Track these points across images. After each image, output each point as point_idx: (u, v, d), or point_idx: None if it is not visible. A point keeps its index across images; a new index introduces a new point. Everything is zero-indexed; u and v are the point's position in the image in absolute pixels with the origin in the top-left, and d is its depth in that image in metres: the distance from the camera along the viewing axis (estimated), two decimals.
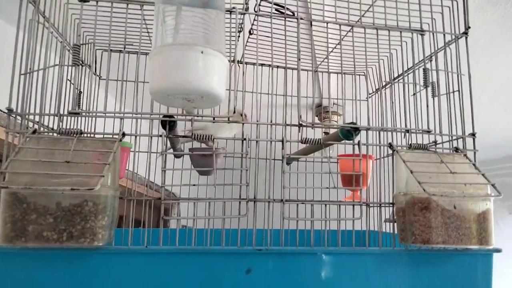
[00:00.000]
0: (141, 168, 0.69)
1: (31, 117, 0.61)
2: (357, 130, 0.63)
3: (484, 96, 1.74)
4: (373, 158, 1.00)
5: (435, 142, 0.73)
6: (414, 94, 0.72)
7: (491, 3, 1.09)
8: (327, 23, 0.66)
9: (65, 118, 0.75)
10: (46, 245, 0.49)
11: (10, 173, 0.49)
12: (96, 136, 0.61)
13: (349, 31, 0.73)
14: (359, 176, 0.79)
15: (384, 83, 0.84)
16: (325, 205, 0.63)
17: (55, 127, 0.59)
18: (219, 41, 0.54)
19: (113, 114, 0.58)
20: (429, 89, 0.70)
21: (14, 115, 0.58)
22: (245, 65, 0.99)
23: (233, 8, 0.62)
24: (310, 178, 0.89)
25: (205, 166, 0.93)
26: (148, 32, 0.92)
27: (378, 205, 0.66)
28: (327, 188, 0.61)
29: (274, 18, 0.67)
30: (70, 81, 0.81)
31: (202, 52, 0.50)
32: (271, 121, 0.64)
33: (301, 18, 0.65)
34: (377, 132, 0.68)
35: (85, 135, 0.60)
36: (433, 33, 0.71)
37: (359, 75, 1.12)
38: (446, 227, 0.56)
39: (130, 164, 0.79)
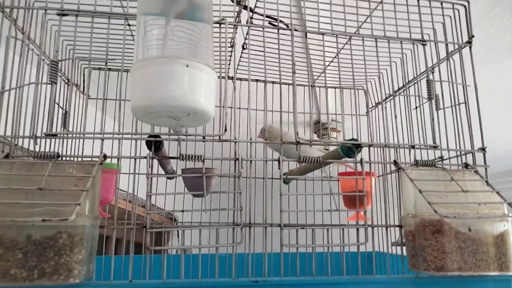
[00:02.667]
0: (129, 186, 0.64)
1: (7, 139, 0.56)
2: (358, 146, 0.58)
3: (482, 110, 1.71)
4: (376, 175, 0.95)
5: (441, 158, 0.68)
6: (416, 108, 0.68)
7: (487, 17, 1.07)
8: (323, 34, 0.62)
9: (48, 140, 0.70)
10: (14, 284, 0.43)
11: None
12: (77, 158, 0.56)
13: (347, 43, 0.69)
14: (362, 195, 0.74)
15: (385, 96, 0.80)
16: (327, 229, 0.58)
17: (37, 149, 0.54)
18: (206, 54, 0.50)
19: (93, 135, 0.53)
20: (434, 102, 0.66)
21: None
22: (240, 81, 0.96)
23: (223, 19, 0.58)
24: (309, 199, 0.84)
25: (198, 188, 0.88)
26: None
27: (385, 227, 0.60)
28: (328, 210, 0.56)
29: (267, 31, 0.63)
30: (55, 101, 0.77)
31: (187, 66, 0.45)
32: (266, 138, 0.59)
33: (295, 30, 0.61)
34: (381, 148, 0.64)
35: (65, 158, 0.55)
36: (435, 43, 0.68)
37: (358, 89, 1.08)
38: (462, 252, 0.51)
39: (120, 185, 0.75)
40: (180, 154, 0.54)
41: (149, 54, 0.47)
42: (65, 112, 0.87)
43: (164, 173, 0.81)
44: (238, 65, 0.95)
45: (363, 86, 0.99)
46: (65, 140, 0.82)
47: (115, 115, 0.88)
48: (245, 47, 0.89)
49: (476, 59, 1.26)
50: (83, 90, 0.95)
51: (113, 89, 0.70)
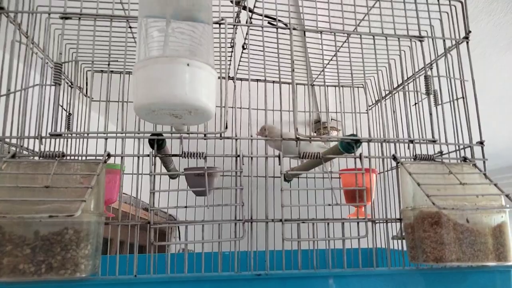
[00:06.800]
0: (132, 189, 0.65)
1: (13, 140, 0.58)
2: (357, 142, 0.59)
3: (481, 105, 1.72)
4: (376, 172, 0.96)
5: (441, 153, 0.69)
6: (415, 104, 0.69)
7: (485, 12, 1.08)
8: (321, 32, 0.63)
9: (52, 140, 0.72)
10: (22, 279, 0.45)
11: None
12: (81, 158, 0.58)
13: (345, 41, 0.70)
14: (363, 191, 0.75)
15: (384, 94, 0.81)
16: (328, 223, 0.59)
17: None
18: (206, 53, 0.51)
19: (96, 135, 0.54)
20: (432, 97, 0.66)
21: None
22: (241, 81, 0.97)
23: (222, 19, 0.60)
24: (310, 195, 0.85)
25: (201, 186, 0.89)
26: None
27: (385, 221, 0.61)
28: (329, 205, 0.57)
29: (266, 31, 0.64)
30: (60, 105, 0.78)
31: (188, 65, 0.47)
32: (266, 136, 0.60)
33: (294, 28, 0.62)
34: (379, 144, 0.65)
35: (70, 157, 0.56)
36: (432, 40, 0.69)
37: (358, 87, 1.09)
38: (460, 243, 0.52)
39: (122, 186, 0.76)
40: (182, 152, 0.55)
41: (151, 54, 0.48)
42: (69, 114, 0.89)
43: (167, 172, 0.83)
44: (239, 65, 0.97)
45: (362, 84, 1.00)
46: (68, 141, 0.84)
47: (118, 117, 0.90)
48: (245, 47, 0.90)
49: (474, 55, 1.27)
50: (86, 93, 0.96)
51: (115, 91, 0.71)
